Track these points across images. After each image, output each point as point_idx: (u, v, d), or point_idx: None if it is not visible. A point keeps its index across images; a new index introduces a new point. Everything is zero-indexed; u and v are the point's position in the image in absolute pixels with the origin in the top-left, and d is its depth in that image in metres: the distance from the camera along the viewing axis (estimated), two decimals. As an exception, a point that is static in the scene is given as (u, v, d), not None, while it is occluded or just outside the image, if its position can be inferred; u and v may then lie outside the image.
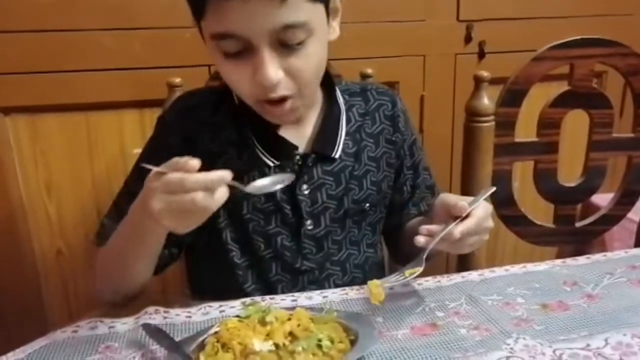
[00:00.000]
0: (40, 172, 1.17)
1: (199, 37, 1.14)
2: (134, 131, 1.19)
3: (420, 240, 0.66)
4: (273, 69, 0.64)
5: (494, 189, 0.75)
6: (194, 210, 0.55)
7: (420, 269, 0.66)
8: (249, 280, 0.80)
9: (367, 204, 0.83)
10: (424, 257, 0.67)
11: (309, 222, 0.79)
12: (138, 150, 1.19)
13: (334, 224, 0.81)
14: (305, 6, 0.64)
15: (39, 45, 1.09)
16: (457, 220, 0.66)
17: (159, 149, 0.76)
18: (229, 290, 0.78)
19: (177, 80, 0.99)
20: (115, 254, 0.72)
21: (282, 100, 0.68)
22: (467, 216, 0.66)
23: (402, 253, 0.70)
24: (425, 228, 0.67)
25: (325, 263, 0.82)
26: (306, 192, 0.78)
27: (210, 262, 0.82)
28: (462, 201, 0.67)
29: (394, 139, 0.85)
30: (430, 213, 0.77)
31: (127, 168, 1.19)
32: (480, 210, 0.68)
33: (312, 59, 0.67)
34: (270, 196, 0.77)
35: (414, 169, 0.88)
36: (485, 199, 0.71)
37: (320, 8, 0.67)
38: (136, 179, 0.74)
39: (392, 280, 0.67)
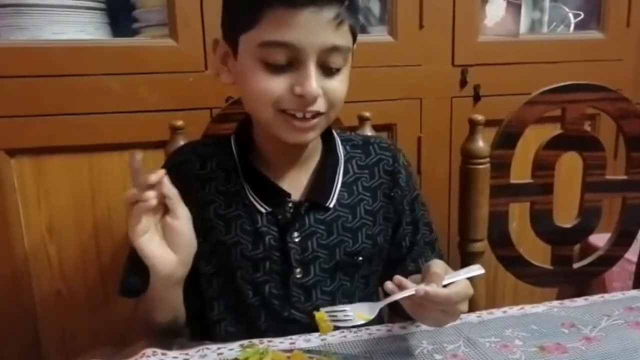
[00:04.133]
0: (42, 213, 1.18)
1: (201, 81, 1.18)
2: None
3: (388, 286, 0.64)
4: (317, 83, 0.68)
5: (482, 271, 0.68)
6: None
7: (369, 318, 0.64)
8: (237, 327, 0.80)
9: (360, 257, 0.81)
10: (379, 307, 0.65)
11: (298, 270, 0.78)
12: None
13: (324, 274, 0.79)
14: (349, 38, 0.71)
15: (45, 89, 1.12)
16: (429, 284, 0.62)
17: None
18: (215, 337, 0.79)
19: (180, 122, 1.01)
20: (146, 312, 0.78)
21: (312, 117, 0.71)
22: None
23: (400, 307, 0.69)
24: (397, 278, 0.65)
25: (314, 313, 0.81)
26: (297, 239, 0.77)
27: (200, 310, 0.82)
28: (448, 276, 0.64)
29: (392, 194, 0.83)
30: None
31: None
32: (458, 288, 0.64)
33: (342, 86, 0.72)
34: (259, 244, 0.77)
35: (414, 224, 0.86)
36: (470, 280, 0.67)
37: (350, 48, 0.73)
38: None
39: (340, 316, 0.65)
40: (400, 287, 0.63)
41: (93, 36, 1.21)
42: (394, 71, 1.32)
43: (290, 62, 0.68)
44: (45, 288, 1.20)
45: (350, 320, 0.64)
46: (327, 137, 0.83)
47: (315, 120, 0.71)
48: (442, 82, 1.37)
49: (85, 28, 1.20)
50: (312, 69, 0.67)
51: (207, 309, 0.82)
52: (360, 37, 1.36)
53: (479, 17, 1.38)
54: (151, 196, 0.64)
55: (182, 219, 0.68)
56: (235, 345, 0.70)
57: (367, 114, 1.09)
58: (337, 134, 0.85)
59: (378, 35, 1.38)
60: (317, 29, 0.66)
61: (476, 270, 0.68)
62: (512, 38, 1.41)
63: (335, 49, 0.68)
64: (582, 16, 1.55)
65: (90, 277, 1.22)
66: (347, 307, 0.66)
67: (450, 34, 1.35)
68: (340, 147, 0.83)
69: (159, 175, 0.66)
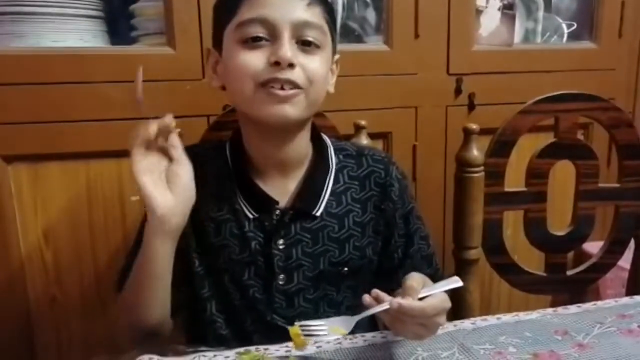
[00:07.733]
0: (39, 219, 1.17)
1: (198, 89, 1.19)
2: (132, 179, 1.21)
3: (365, 299, 0.64)
4: (291, 51, 0.71)
5: (459, 283, 0.67)
6: None
7: (345, 332, 0.65)
8: (227, 329, 0.81)
9: (346, 268, 0.82)
10: (355, 321, 0.65)
11: (281, 276, 0.79)
12: (135, 197, 1.22)
13: (307, 282, 0.80)
14: (323, 20, 0.75)
15: (43, 96, 1.13)
16: (406, 297, 0.63)
17: None
18: (208, 338, 0.80)
19: (178, 130, 1.01)
20: (132, 287, 0.77)
21: (290, 88, 0.72)
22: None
23: None
24: (375, 291, 0.65)
25: (296, 320, 0.79)
26: (281, 247, 0.79)
27: (191, 310, 0.83)
28: (425, 289, 0.65)
29: (383, 206, 0.84)
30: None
31: (125, 215, 1.22)
32: (434, 300, 0.64)
33: (321, 65, 0.75)
34: (245, 248, 0.79)
35: (407, 237, 0.86)
36: (450, 292, 0.67)
37: (329, 37, 0.77)
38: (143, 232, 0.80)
39: (315, 330, 0.65)
40: (378, 301, 0.63)
41: (91, 44, 1.22)
42: (389, 80, 1.34)
43: (267, 38, 0.72)
44: (41, 294, 1.20)
45: (325, 334, 0.65)
46: (318, 144, 0.84)
47: (294, 91, 0.72)
48: (437, 91, 1.38)
49: (83, 36, 1.21)
50: (286, 39, 0.71)
51: (201, 309, 0.82)
52: (357, 46, 1.39)
53: (474, 27, 1.40)
54: (152, 126, 0.70)
55: (185, 166, 0.71)
56: (231, 353, 0.71)
57: (363, 122, 1.09)
58: (332, 142, 0.86)
59: (374, 44, 1.39)
60: (288, 6, 0.72)
61: (454, 282, 0.67)
62: (506, 48, 1.43)
63: (307, 24, 0.72)
64: (575, 26, 1.57)
65: (86, 283, 1.22)
66: (322, 322, 0.66)
67: (445, 43, 1.36)
68: (333, 155, 0.84)
69: (170, 119, 0.71)
